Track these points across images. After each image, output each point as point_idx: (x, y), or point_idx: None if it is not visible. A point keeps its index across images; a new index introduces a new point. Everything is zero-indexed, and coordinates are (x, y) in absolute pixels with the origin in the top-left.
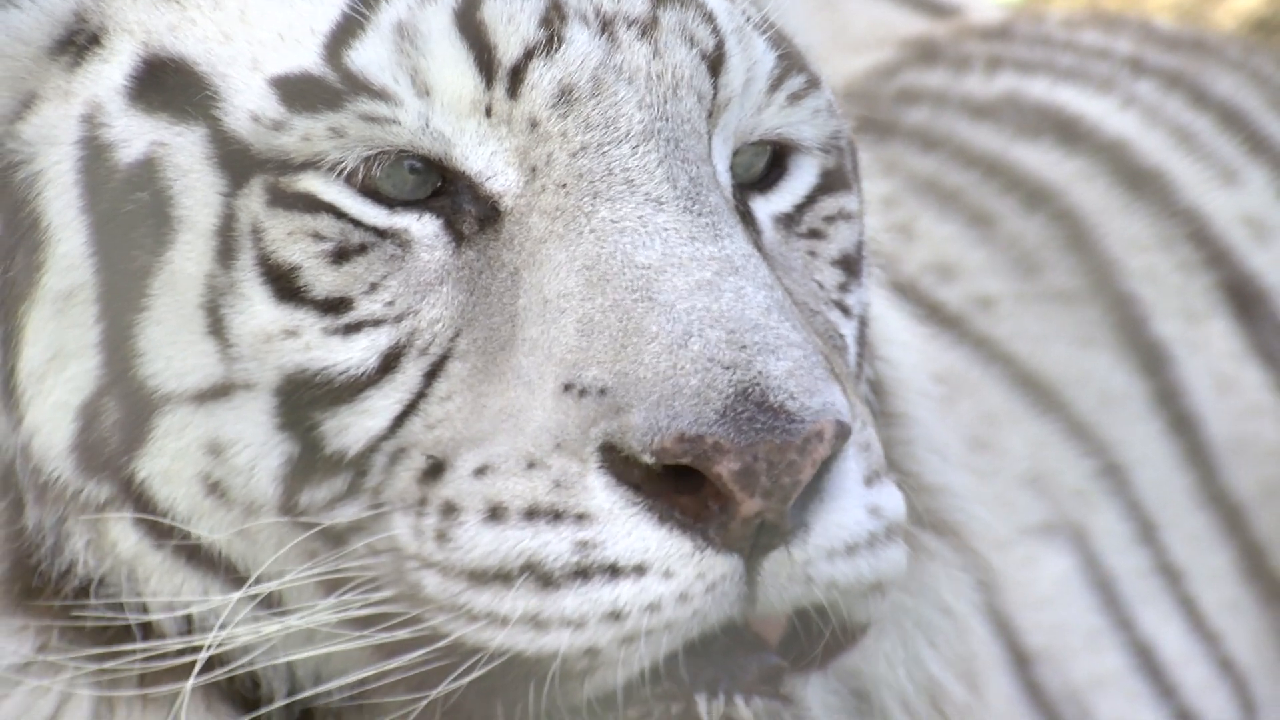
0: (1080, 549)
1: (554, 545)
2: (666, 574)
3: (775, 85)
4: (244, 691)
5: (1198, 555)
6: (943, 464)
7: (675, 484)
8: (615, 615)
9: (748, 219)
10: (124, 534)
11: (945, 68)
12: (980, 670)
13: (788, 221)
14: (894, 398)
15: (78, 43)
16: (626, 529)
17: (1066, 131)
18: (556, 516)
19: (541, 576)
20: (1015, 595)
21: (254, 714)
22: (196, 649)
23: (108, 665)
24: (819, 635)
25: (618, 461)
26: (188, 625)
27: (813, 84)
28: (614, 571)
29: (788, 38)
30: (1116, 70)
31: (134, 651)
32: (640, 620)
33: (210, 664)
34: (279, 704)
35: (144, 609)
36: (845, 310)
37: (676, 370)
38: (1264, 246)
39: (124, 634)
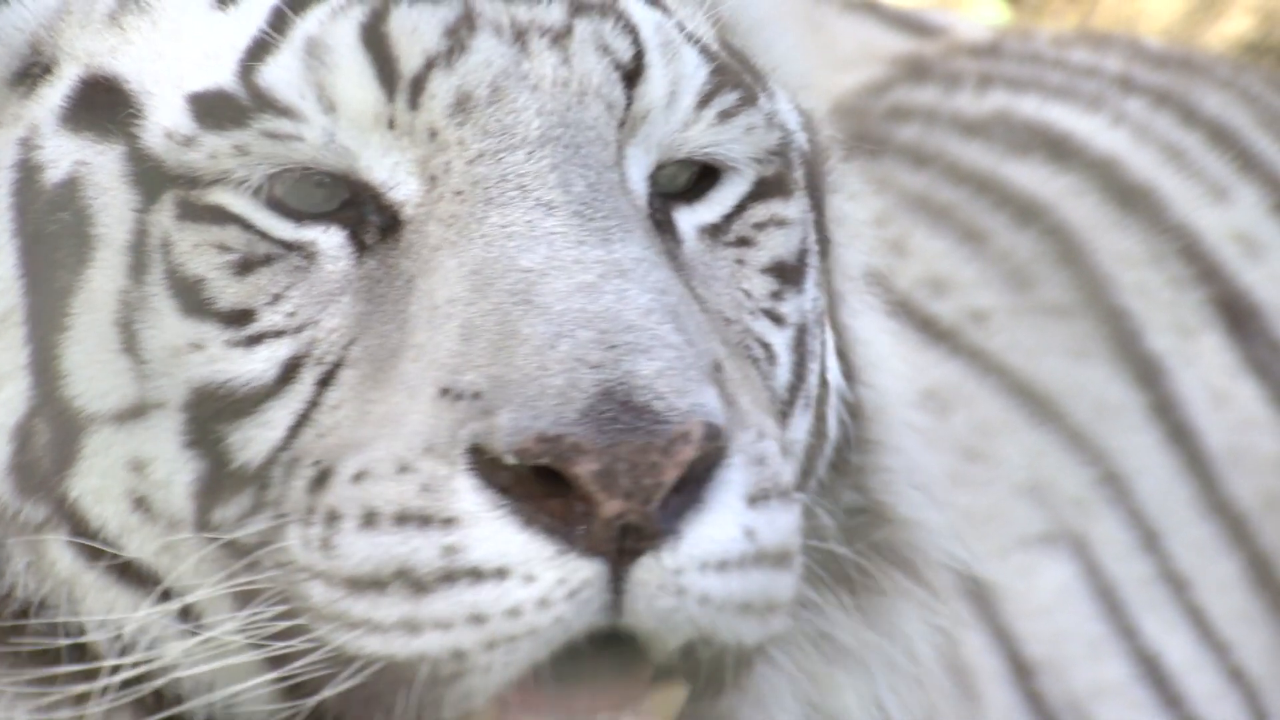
0: (1081, 557)
1: (423, 551)
2: (528, 578)
3: (704, 101)
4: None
5: (1204, 564)
6: (921, 499)
7: (545, 486)
8: (478, 618)
9: (667, 228)
10: (60, 554)
11: (936, 85)
12: (978, 682)
13: (714, 231)
14: (873, 424)
15: (33, 74)
16: (489, 532)
17: (1056, 148)
18: (425, 521)
19: (413, 583)
20: (1014, 605)
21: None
22: (129, 667)
23: (46, 688)
24: (706, 664)
25: (485, 464)
26: (121, 644)
27: (747, 100)
28: (476, 575)
29: (735, 53)
30: (1106, 88)
31: (70, 673)
32: (502, 624)
33: (140, 681)
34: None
35: (82, 630)
36: (777, 319)
37: (543, 371)
38: (1255, 263)
39: (63, 655)
